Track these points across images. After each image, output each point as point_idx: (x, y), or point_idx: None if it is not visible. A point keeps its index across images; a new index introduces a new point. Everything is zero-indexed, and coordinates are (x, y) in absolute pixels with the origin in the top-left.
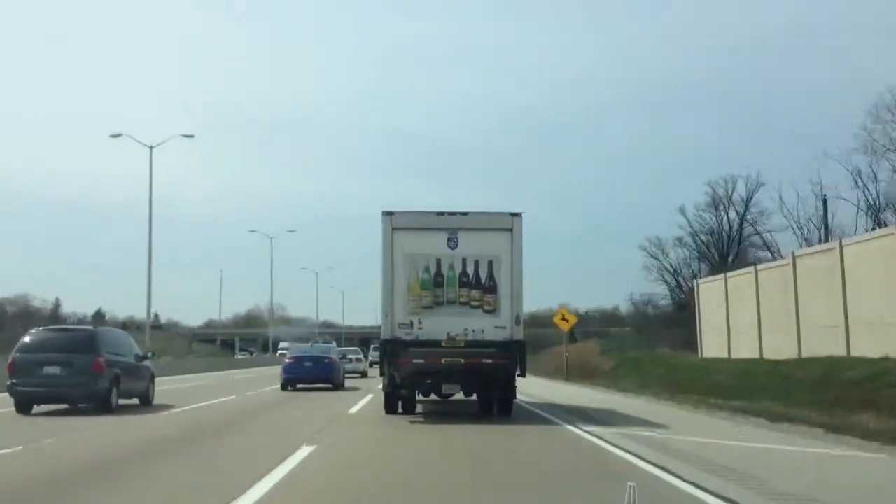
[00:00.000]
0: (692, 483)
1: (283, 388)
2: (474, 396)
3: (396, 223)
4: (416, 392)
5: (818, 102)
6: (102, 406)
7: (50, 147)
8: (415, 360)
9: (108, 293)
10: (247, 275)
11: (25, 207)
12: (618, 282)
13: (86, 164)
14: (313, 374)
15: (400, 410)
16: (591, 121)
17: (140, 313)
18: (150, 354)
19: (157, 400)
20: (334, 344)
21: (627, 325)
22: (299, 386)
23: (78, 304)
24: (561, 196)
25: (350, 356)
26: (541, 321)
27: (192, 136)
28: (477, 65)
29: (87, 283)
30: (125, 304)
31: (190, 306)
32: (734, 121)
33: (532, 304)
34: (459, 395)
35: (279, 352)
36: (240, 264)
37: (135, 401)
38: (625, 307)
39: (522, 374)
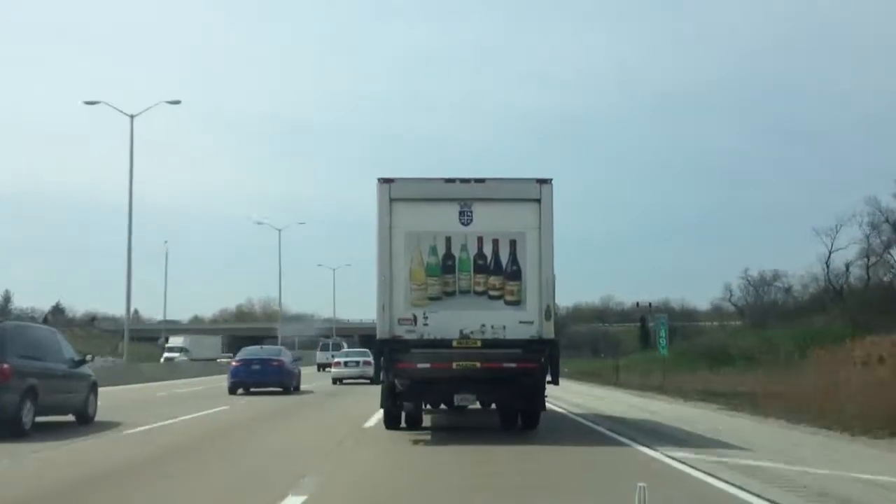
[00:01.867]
0: None
1: (231, 391)
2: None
3: (396, 193)
4: (423, 403)
5: None
6: (9, 428)
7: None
8: (419, 365)
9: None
10: (250, 268)
11: None
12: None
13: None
14: (261, 378)
15: (403, 424)
16: (604, 120)
17: (107, 308)
18: (88, 358)
19: (101, 415)
20: (344, 345)
21: (737, 318)
22: (252, 390)
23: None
24: (582, 195)
25: (357, 359)
26: (583, 315)
27: (178, 102)
28: (489, 67)
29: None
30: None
31: (181, 302)
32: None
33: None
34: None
35: (165, 355)
36: (240, 257)
37: (70, 417)
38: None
39: (554, 381)
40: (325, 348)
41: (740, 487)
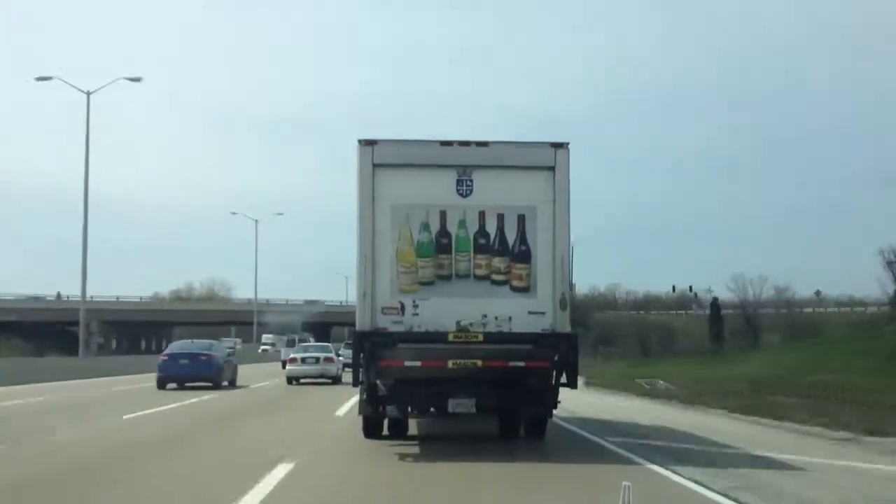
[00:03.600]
0: None
1: (160, 386)
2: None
3: (380, 157)
4: (409, 408)
5: None
6: None
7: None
8: (407, 363)
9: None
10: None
11: None
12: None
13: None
14: (189, 372)
15: (386, 432)
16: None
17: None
18: None
19: None
20: (311, 340)
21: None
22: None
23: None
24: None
25: (316, 355)
26: (595, 303)
27: (139, 80)
28: (482, 64)
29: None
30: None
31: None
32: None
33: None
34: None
35: None
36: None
37: None
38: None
39: (571, 384)
40: (290, 344)
41: None
